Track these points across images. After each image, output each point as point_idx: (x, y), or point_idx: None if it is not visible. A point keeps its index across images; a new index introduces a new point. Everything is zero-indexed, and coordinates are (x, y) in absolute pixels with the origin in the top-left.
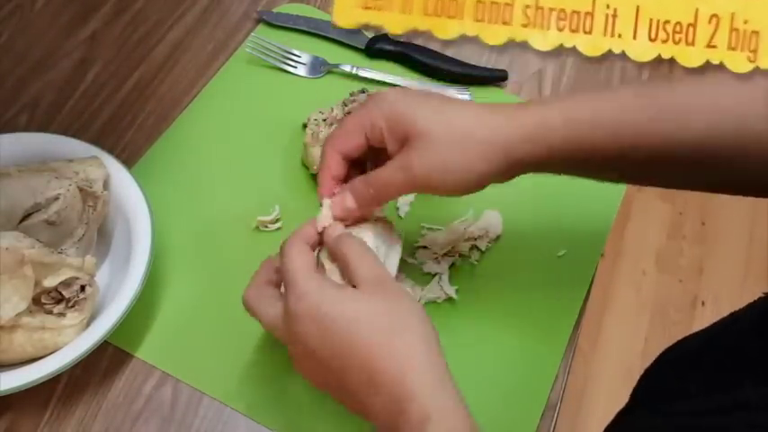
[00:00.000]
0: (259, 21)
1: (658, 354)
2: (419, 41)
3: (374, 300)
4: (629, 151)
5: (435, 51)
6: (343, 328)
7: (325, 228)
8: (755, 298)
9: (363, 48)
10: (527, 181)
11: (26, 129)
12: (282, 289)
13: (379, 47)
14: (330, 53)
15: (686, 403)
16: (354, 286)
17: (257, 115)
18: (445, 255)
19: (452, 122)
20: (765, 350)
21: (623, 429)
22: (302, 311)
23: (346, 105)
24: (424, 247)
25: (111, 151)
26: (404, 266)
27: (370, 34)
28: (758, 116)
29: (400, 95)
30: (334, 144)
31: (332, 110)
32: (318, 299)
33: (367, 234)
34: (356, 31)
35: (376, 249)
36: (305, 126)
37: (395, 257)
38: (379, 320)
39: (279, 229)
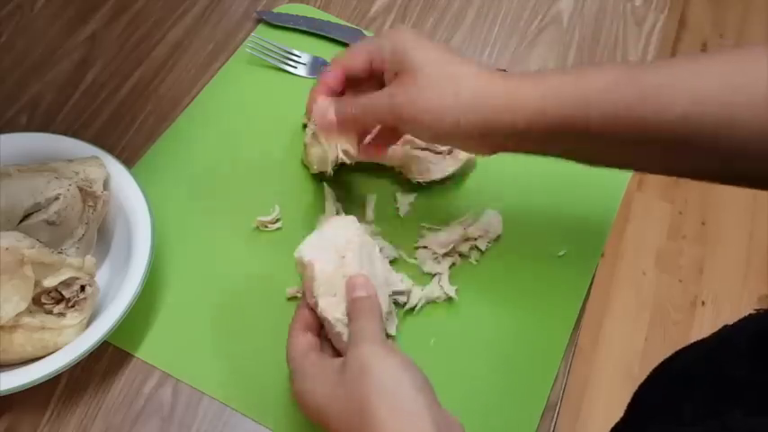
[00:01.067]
0: (259, 21)
1: (658, 354)
2: (425, 34)
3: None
4: (610, 125)
5: None
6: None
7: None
8: (754, 300)
9: None
10: (527, 181)
11: (26, 129)
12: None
13: None
14: (330, 53)
15: (676, 429)
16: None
17: (257, 115)
18: (445, 255)
19: (446, 69)
20: (752, 376)
21: None
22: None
23: None
24: (424, 247)
25: (111, 151)
26: (404, 266)
27: (370, 34)
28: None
29: (412, 35)
30: (339, 59)
31: None
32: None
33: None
34: (356, 31)
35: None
36: (305, 126)
37: (381, 265)
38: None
39: (279, 229)
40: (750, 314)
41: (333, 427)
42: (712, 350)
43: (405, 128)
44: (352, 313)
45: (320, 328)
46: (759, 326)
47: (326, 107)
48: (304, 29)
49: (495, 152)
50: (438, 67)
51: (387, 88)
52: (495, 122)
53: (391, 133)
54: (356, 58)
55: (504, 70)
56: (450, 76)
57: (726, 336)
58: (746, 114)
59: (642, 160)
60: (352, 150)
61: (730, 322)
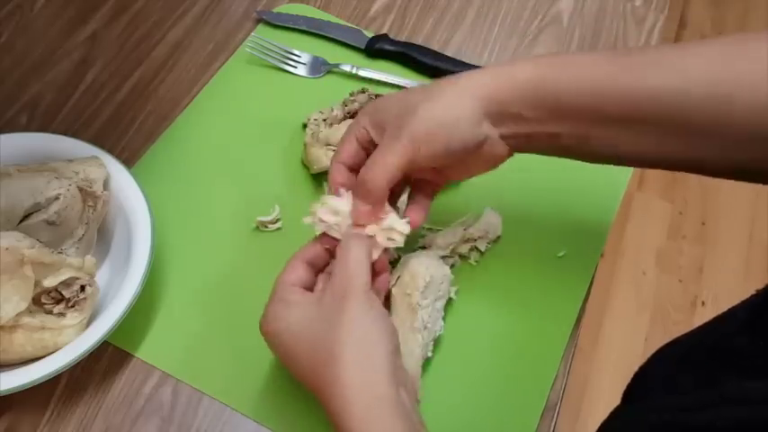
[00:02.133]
0: (259, 20)
1: None
2: (419, 41)
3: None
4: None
5: (435, 51)
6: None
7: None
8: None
9: (363, 47)
10: (527, 181)
11: (26, 129)
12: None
13: (380, 47)
14: (330, 53)
15: (674, 399)
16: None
17: (257, 115)
18: (445, 256)
19: (426, 91)
20: (752, 345)
21: (610, 424)
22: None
23: (346, 105)
24: (424, 248)
25: (111, 151)
26: None
27: (370, 34)
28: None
29: (379, 101)
30: (335, 156)
31: (332, 110)
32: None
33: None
34: (356, 31)
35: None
36: (305, 126)
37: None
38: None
39: (279, 229)
40: (748, 297)
41: (297, 356)
42: (709, 331)
43: (422, 157)
44: (344, 252)
45: (321, 271)
46: (760, 299)
47: (354, 206)
48: (304, 29)
49: (509, 154)
50: (418, 97)
51: (384, 140)
52: (485, 97)
53: (421, 183)
54: (346, 148)
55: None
56: (433, 92)
57: (721, 317)
58: (747, 95)
59: (635, 143)
60: (400, 226)
61: None
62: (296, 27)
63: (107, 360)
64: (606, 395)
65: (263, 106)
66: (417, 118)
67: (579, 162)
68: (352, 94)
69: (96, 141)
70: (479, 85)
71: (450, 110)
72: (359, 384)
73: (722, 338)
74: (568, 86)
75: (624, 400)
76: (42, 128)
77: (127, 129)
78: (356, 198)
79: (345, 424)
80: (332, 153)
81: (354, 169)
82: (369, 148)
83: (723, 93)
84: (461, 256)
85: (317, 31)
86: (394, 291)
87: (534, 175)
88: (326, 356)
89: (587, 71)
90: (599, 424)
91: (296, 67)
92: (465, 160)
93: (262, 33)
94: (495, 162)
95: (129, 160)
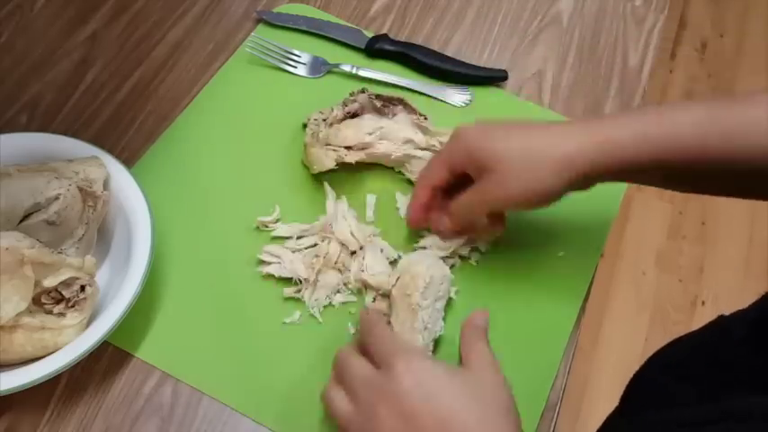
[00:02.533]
0: (259, 20)
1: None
2: (419, 41)
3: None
4: (693, 164)
5: (435, 51)
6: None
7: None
8: (755, 298)
9: (363, 47)
10: None
11: (26, 129)
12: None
13: (380, 47)
14: (330, 53)
15: (673, 412)
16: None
17: (257, 115)
18: (445, 257)
19: (524, 145)
20: (753, 361)
21: None
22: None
23: (346, 105)
24: (424, 248)
25: (111, 151)
26: None
27: (370, 34)
28: None
29: (479, 132)
30: (423, 178)
31: (332, 110)
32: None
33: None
34: (356, 31)
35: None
36: (305, 126)
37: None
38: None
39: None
40: (747, 307)
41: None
42: (708, 338)
43: (504, 209)
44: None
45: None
46: (759, 312)
47: (440, 220)
48: (304, 29)
49: (591, 185)
50: (515, 149)
51: (476, 185)
52: (582, 167)
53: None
54: (437, 174)
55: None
56: (528, 151)
57: (722, 325)
58: None
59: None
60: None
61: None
62: (296, 27)
63: (107, 360)
64: (606, 395)
65: (262, 106)
66: (517, 183)
67: None
68: (352, 94)
69: (96, 141)
70: (582, 158)
71: (547, 181)
72: None
73: (722, 350)
74: (668, 158)
75: (622, 405)
76: (42, 128)
77: (127, 129)
78: (444, 218)
79: None
80: (332, 153)
81: (436, 189)
82: (458, 174)
83: None
84: (461, 257)
85: (317, 31)
86: (394, 292)
87: None
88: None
89: (692, 133)
90: (599, 424)
91: (296, 67)
92: None
93: (262, 33)
94: None
95: (129, 160)
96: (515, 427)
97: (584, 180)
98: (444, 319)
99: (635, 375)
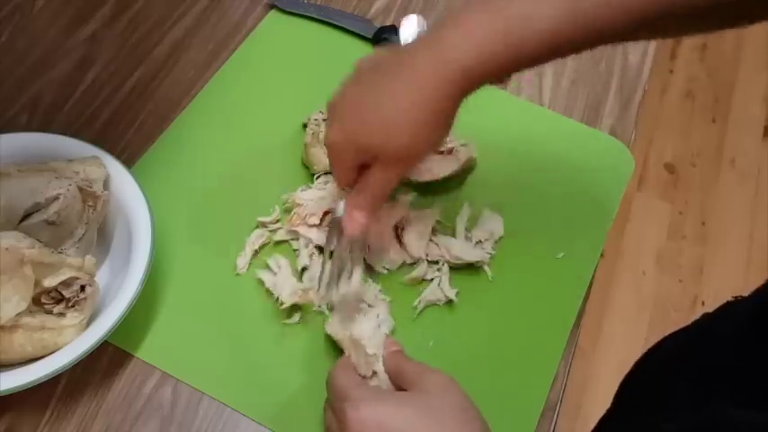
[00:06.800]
0: (271, 6)
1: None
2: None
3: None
4: None
5: None
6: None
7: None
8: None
9: (371, 37)
10: (527, 181)
11: (26, 129)
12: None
13: (387, 37)
14: (337, 42)
15: (663, 420)
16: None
17: (257, 115)
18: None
19: (386, 114)
20: (740, 364)
21: None
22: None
23: None
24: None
25: (111, 151)
26: (405, 270)
27: (378, 24)
28: None
29: (343, 129)
30: (337, 185)
31: None
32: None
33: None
34: (365, 21)
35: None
36: (305, 126)
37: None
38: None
39: (279, 229)
40: (728, 302)
41: None
42: (695, 338)
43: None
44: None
45: None
46: (742, 314)
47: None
48: (314, 16)
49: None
50: (385, 125)
51: (375, 168)
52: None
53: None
54: (345, 178)
55: None
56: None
57: (707, 324)
58: None
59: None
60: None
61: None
62: (306, 14)
63: (107, 360)
64: (606, 395)
65: (262, 106)
66: (402, 147)
67: (579, 162)
68: None
69: (96, 141)
70: (463, 66)
71: (433, 126)
72: None
73: (705, 356)
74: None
75: (614, 408)
76: (42, 128)
77: (127, 129)
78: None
79: None
80: None
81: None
82: (360, 165)
83: None
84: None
85: (327, 19)
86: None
87: (534, 176)
88: None
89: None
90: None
91: None
92: None
93: (273, 20)
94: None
95: (129, 160)
96: (479, 425)
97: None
98: (444, 319)
99: (626, 377)
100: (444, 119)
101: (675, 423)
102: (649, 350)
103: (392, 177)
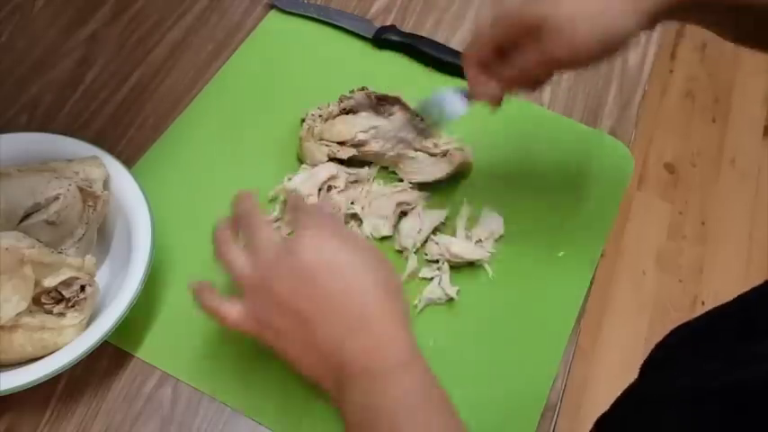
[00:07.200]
0: (271, 6)
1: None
2: (425, 33)
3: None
4: None
5: (441, 44)
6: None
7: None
8: None
9: (371, 37)
10: (527, 181)
11: (26, 129)
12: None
13: (387, 37)
14: (337, 42)
15: (701, 362)
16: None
17: (257, 115)
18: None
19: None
20: None
21: (636, 392)
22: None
23: (342, 102)
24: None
25: (111, 151)
26: (399, 264)
27: (378, 24)
28: None
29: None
30: (469, 57)
31: (328, 105)
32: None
33: None
34: (365, 21)
35: None
36: (302, 122)
37: None
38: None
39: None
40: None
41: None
42: (726, 309)
43: (570, 66)
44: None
45: None
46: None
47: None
48: (314, 16)
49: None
50: (575, 4)
51: (536, 48)
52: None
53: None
54: (483, 50)
55: None
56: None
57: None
58: None
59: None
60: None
61: None
62: (306, 14)
63: (107, 360)
64: (606, 395)
65: (262, 106)
66: (584, 34)
67: (579, 162)
68: (351, 92)
69: (96, 141)
70: None
71: (618, 22)
72: None
73: (743, 311)
74: None
75: (641, 376)
76: (42, 128)
77: (127, 129)
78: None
79: None
80: (324, 148)
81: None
82: (502, 46)
83: None
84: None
85: (327, 19)
86: None
87: (534, 176)
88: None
89: None
90: None
91: None
92: None
93: (273, 20)
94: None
95: (129, 160)
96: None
97: (652, 18)
98: (444, 319)
99: (656, 346)
100: (635, 18)
101: (715, 363)
102: (677, 327)
103: (547, 61)
